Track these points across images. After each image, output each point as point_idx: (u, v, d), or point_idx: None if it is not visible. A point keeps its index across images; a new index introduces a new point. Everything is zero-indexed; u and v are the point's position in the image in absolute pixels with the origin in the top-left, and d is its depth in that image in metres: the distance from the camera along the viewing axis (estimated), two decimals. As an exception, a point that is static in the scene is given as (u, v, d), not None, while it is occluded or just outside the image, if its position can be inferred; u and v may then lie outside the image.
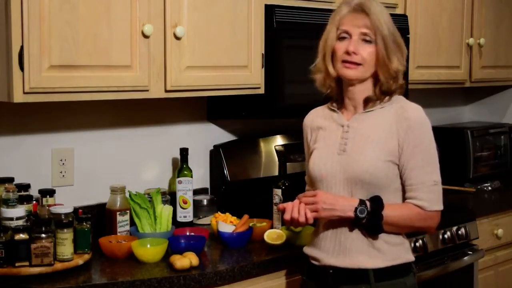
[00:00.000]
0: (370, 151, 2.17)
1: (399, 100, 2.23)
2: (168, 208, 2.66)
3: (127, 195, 2.70)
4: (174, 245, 2.48)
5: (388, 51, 2.16)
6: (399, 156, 2.17)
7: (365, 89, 2.22)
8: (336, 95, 2.29)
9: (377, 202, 2.13)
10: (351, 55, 2.16)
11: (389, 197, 2.17)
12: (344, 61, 2.18)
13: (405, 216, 2.18)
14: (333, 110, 2.29)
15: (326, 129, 2.28)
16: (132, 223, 2.65)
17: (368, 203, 2.12)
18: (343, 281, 2.20)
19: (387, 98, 2.22)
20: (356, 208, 2.11)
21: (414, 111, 2.20)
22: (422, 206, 2.17)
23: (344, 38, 2.18)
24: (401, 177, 2.19)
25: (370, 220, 2.12)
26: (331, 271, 2.21)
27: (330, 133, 2.27)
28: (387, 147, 2.16)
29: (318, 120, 2.32)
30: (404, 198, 2.21)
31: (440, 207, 2.21)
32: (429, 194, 2.17)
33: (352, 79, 2.20)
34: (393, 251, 2.20)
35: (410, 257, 2.24)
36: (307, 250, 2.32)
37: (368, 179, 2.15)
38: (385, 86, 2.20)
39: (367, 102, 2.22)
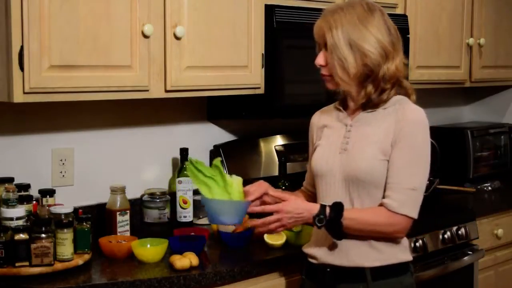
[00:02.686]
0: (368, 151, 2.17)
1: (402, 102, 2.21)
2: (237, 179, 2.30)
3: (127, 195, 2.70)
4: (174, 245, 2.48)
5: (339, 57, 2.13)
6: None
7: (362, 92, 2.21)
8: (342, 96, 2.29)
9: (336, 209, 2.12)
10: (320, 68, 2.19)
11: None
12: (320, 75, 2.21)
13: (369, 222, 2.14)
14: (339, 110, 2.29)
15: (331, 128, 2.29)
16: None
17: (328, 211, 2.11)
18: (340, 280, 2.20)
19: (391, 99, 2.20)
20: (314, 218, 2.12)
21: (413, 112, 2.18)
22: (388, 205, 2.12)
23: (320, 50, 2.21)
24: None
25: (329, 228, 2.12)
26: (328, 269, 2.22)
27: (334, 131, 2.28)
28: (384, 147, 2.16)
29: (325, 118, 2.33)
30: None
31: (411, 213, 2.13)
32: (401, 196, 2.12)
33: (332, 89, 2.22)
34: (390, 250, 2.20)
35: (407, 257, 2.24)
36: (306, 249, 2.33)
37: (364, 178, 2.15)
38: (367, 90, 2.18)
39: (365, 104, 2.22)
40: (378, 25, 2.16)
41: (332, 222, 2.11)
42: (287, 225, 2.16)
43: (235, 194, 2.24)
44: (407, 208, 2.13)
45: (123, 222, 2.66)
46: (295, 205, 2.14)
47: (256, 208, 2.13)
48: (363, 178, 2.15)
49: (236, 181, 2.26)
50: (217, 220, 2.23)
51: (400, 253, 2.22)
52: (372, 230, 2.15)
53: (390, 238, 2.18)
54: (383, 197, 2.16)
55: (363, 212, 2.16)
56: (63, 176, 2.73)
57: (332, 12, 2.18)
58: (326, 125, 2.31)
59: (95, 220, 2.67)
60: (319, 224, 2.11)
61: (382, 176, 2.16)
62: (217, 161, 2.26)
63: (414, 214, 2.15)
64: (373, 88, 2.17)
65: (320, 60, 2.19)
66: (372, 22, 2.16)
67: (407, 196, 2.13)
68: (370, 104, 2.20)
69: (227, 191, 2.23)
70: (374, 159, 2.16)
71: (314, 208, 2.13)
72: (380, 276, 2.18)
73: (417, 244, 3.01)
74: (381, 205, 2.16)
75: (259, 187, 2.25)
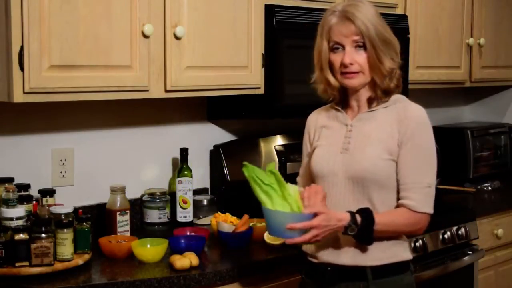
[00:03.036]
0: (371, 150, 2.17)
1: (402, 100, 2.23)
2: (294, 187, 2.15)
3: (127, 195, 2.70)
4: (174, 245, 2.48)
5: (378, 53, 2.15)
6: (397, 154, 2.17)
7: (368, 89, 2.22)
8: (340, 97, 2.28)
9: (367, 217, 2.11)
10: (348, 66, 2.16)
11: (390, 196, 2.18)
12: (343, 73, 2.18)
13: (396, 224, 2.17)
14: (338, 110, 2.29)
15: (330, 128, 2.29)
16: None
17: (358, 219, 2.10)
18: (341, 279, 2.20)
19: (390, 97, 2.22)
20: (346, 227, 2.09)
21: (416, 111, 2.20)
22: (410, 206, 2.15)
23: (337, 49, 2.18)
24: (397, 177, 2.18)
25: (359, 235, 2.12)
26: (328, 268, 2.22)
27: (333, 132, 2.27)
28: (388, 146, 2.17)
29: (322, 119, 2.33)
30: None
31: (430, 210, 2.18)
32: (419, 195, 2.16)
33: (355, 87, 2.21)
34: (391, 249, 2.20)
35: (407, 256, 2.24)
36: (306, 247, 2.32)
37: (369, 177, 2.15)
38: (384, 86, 2.20)
39: (371, 101, 2.23)
40: None
41: (364, 230, 2.11)
42: (322, 238, 2.11)
43: (294, 204, 2.10)
44: (427, 206, 2.17)
45: (123, 222, 2.66)
46: (329, 217, 2.08)
47: (297, 225, 2.05)
48: (369, 178, 2.15)
49: (293, 189, 2.13)
50: (279, 233, 2.11)
51: (400, 252, 2.22)
52: (398, 231, 2.19)
53: (408, 235, 2.26)
54: (399, 198, 2.18)
55: (389, 216, 2.16)
56: (63, 176, 2.73)
57: (355, 6, 2.16)
58: (324, 126, 2.31)
59: (95, 220, 2.67)
60: (350, 233, 2.10)
61: (387, 175, 2.16)
62: (272, 166, 2.13)
63: (432, 210, 2.19)
64: (389, 80, 2.20)
65: (350, 58, 2.15)
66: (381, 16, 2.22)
67: (425, 194, 2.17)
68: (376, 99, 2.22)
69: (286, 201, 2.10)
70: (378, 158, 2.16)
71: (345, 217, 2.09)
72: (381, 275, 2.18)
73: (417, 244, 3.01)
74: (398, 206, 2.18)
75: (316, 198, 2.12)
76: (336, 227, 2.09)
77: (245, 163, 2.12)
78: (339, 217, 2.10)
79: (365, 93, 2.23)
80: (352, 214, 2.10)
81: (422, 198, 2.16)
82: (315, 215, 2.06)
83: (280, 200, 2.09)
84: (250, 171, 2.11)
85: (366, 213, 2.11)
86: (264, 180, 2.10)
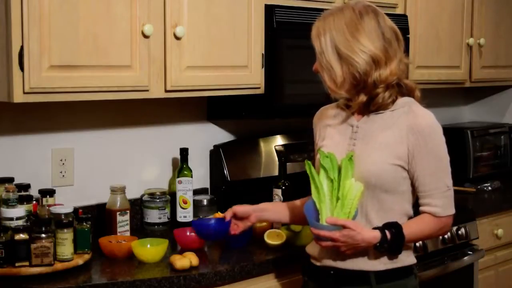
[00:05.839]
0: (378, 154, 2.14)
1: (410, 104, 2.19)
2: (358, 187, 2.08)
3: (127, 195, 2.70)
4: (201, 231, 2.48)
5: (327, 65, 2.13)
6: (408, 161, 2.14)
7: (354, 100, 2.19)
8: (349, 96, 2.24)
9: (398, 234, 2.11)
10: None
11: (395, 200, 2.16)
12: None
13: (423, 233, 2.20)
14: (343, 109, 2.26)
15: (335, 128, 2.26)
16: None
17: (388, 235, 2.10)
18: (344, 283, 2.19)
19: (398, 101, 2.18)
20: (377, 246, 2.10)
21: (425, 117, 2.17)
22: (435, 212, 2.16)
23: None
24: (413, 183, 2.17)
25: (389, 251, 2.13)
26: (332, 272, 2.20)
27: (339, 132, 2.25)
28: (396, 151, 2.14)
29: (328, 118, 2.30)
30: (414, 202, 2.21)
31: (453, 211, 2.20)
32: (442, 200, 2.16)
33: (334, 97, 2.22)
34: None
35: (411, 260, 2.23)
36: (309, 249, 2.30)
37: (374, 181, 2.13)
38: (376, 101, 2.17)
39: (376, 105, 2.18)
40: (368, 31, 2.11)
41: (394, 247, 2.12)
42: (347, 251, 2.11)
43: (347, 205, 2.06)
44: (449, 208, 2.19)
45: (123, 222, 2.66)
46: (353, 235, 2.06)
47: (314, 231, 2.07)
48: (373, 182, 2.13)
49: (356, 188, 2.07)
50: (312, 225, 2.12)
51: (404, 256, 2.20)
52: (424, 238, 2.23)
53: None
54: (419, 204, 2.19)
55: (417, 226, 2.17)
56: (63, 176, 2.73)
57: (323, 18, 2.16)
58: (329, 125, 2.28)
59: (95, 220, 2.68)
60: (381, 249, 2.11)
61: (392, 180, 2.14)
62: (346, 159, 2.10)
63: (454, 210, 2.21)
64: (365, 96, 2.15)
65: (314, 66, 2.19)
66: (361, 29, 2.11)
67: (446, 197, 2.18)
68: (370, 109, 2.18)
69: (335, 202, 2.08)
70: (384, 163, 2.13)
71: (374, 238, 2.09)
72: (384, 279, 2.16)
73: (417, 244, 3.00)
74: (421, 213, 2.19)
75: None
76: (361, 246, 2.09)
77: (322, 151, 2.14)
78: (367, 237, 2.08)
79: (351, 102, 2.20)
80: (383, 232, 2.10)
81: (444, 202, 2.17)
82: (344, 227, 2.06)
83: (330, 198, 2.09)
84: (323, 160, 2.11)
85: (396, 229, 2.11)
86: (330, 173, 2.09)
